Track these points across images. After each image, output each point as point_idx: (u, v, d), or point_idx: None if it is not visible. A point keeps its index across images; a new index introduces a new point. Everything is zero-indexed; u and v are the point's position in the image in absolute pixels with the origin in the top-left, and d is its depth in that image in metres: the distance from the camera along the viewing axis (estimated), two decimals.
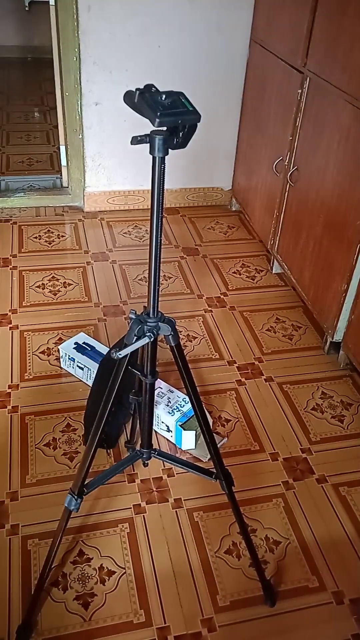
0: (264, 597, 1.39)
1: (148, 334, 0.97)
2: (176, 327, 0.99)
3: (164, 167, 0.84)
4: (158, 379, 1.83)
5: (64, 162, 3.02)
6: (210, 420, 1.78)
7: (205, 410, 1.33)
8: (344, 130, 1.89)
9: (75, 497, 1.13)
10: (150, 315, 0.98)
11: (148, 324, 0.98)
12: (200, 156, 2.99)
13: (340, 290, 1.99)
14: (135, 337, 0.98)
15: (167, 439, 1.78)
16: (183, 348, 2.15)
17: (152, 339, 0.98)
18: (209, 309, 2.40)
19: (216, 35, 2.66)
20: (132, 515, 1.57)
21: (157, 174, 0.85)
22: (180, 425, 1.70)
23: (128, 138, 0.80)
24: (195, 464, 1.23)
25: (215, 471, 1.22)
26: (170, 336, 0.98)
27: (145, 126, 0.87)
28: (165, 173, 0.85)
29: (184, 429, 1.69)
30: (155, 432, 1.80)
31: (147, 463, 1.26)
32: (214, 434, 1.80)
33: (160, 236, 0.89)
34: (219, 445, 1.76)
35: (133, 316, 0.99)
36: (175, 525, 1.55)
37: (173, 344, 1.00)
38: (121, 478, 1.66)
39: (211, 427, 1.79)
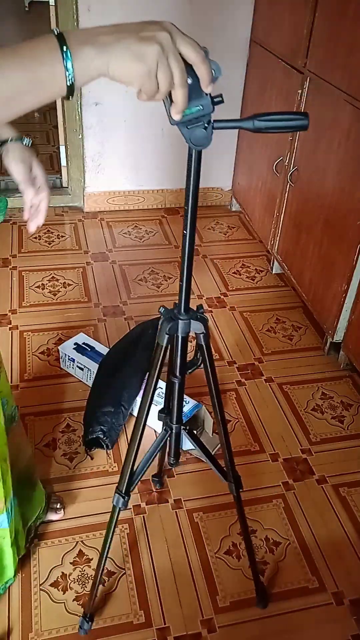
0: (256, 599, 1.38)
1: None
2: (208, 326, 0.96)
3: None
4: (159, 379, 1.83)
5: (63, 162, 3.02)
6: (211, 422, 1.78)
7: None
8: (344, 130, 1.89)
9: (123, 495, 1.13)
10: (182, 312, 0.93)
11: (180, 319, 0.93)
12: None
13: (340, 291, 1.99)
14: (166, 336, 0.94)
15: None
16: None
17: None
18: (209, 309, 2.40)
19: (216, 35, 2.66)
20: (132, 515, 1.57)
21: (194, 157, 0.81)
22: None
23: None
24: (216, 459, 1.22)
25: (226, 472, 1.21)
26: (201, 335, 0.95)
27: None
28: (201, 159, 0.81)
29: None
30: (155, 431, 1.79)
31: (175, 462, 1.25)
32: (215, 434, 1.80)
33: (195, 220, 0.85)
34: (219, 446, 1.76)
35: (162, 311, 0.95)
36: (175, 526, 1.55)
37: (203, 343, 0.96)
38: None
39: (211, 428, 1.79)
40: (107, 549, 1.23)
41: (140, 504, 1.60)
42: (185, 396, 1.80)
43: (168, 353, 1.00)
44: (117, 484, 1.16)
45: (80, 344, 2.00)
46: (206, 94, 0.69)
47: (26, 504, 1.41)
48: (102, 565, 1.26)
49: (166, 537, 1.52)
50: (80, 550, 1.47)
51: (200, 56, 0.65)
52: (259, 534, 1.54)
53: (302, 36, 2.11)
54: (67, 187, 3.07)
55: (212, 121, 0.73)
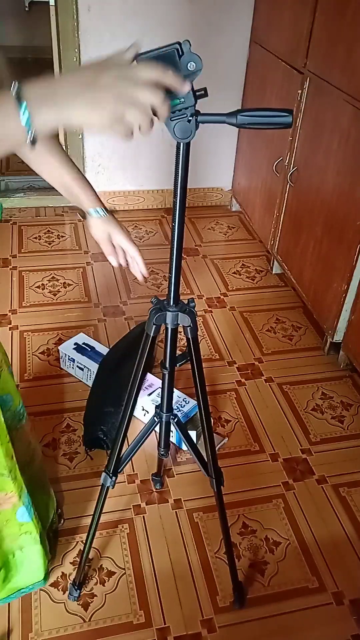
0: (233, 598, 1.38)
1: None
2: (197, 319, 0.97)
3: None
4: (159, 379, 1.83)
5: None
6: (211, 421, 1.78)
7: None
8: (344, 131, 1.89)
9: (111, 475, 1.18)
10: (171, 303, 0.95)
11: (169, 311, 0.95)
12: (200, 156, 2.99)
13: (340, 291, 1.99)
14: (154, 326, 0.96)
15: None
16: (183, 348, 2.16)
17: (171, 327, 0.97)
18: (209, 309, 2.40)
19: (216, 36, 2.66)
20: (132, 515, 1.57)
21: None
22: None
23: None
24: (198, 451, 1.24)
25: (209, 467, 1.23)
26: (188, 328, 0.97)
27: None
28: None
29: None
30: (156, 431, 1.79)
31: (165, 452, 1.27)
32: (215, 434, 1.80)
33: (183, 213, 0.86)
34: (219, 446, 1.77)
35: (153, 301, 0.97)
36: (175, 526, 1.55)
37: (190, 337, 0.98)
38: (121, 478, 1.65)
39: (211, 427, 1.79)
40: (94, 527, 1.27)
41: (140, 504, 1.60)
42: (185, 396, 1.80)
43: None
44: (105, 465, 1.20)
45: (81, 344, 2.00)
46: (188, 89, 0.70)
47: (41, 510, 1.41)
48: (90, 541, 1.29)
49: (166, 537, 1.52)
50: (80, 550, 1.47)
51: (158, 73, 0.66)
52: (259, 534, 1.55)
53: (302, 36, 2.11)
54: None
55: (195, 114, 0.74)
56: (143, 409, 1.80)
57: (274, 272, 2.65)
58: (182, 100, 0.71)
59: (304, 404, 1.97)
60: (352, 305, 1.98)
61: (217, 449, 1.75)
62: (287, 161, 2.35)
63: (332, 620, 1.37)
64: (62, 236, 2.84)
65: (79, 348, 1.98)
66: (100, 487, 1.22)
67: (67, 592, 1.38)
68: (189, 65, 0.69)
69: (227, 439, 1.81)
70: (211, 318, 2.35)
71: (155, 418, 1.19)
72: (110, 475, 1.19)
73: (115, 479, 1.20)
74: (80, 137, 2.82)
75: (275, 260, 2.60)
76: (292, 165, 2.30)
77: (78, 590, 1.37)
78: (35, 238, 2.80)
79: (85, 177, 1.10)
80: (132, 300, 2.42)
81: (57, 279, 2.52)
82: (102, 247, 1.07)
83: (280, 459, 1.76)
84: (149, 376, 1.85)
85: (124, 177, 3.00)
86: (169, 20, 2.57)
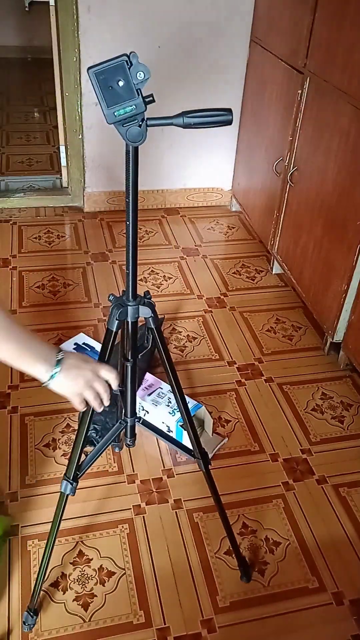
0: (240, 573, 1.41)
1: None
2: (156, 309, 1.00)
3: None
4: (159, 380, 1.84)
5: (63, 162, 3.02)
6: (211, 422, 1.78)
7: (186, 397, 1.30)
8: (344, 131, 1.89)
9: (71, 482, 1.15)
10: (130, 298, 0.97)
11: (129, 305, 0.97)
12: (200, 156, 2.99)
13: (340, 291, 1.99)
14: (117, 322, 0.98)
15: None
16: (183, 348, 2.16)
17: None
18: (209, 309, 2.40)
19: (216, 35, 2.66)
20: (131, 516, 1.57)
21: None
22: (181, 425, 1.70)
23: None
24: (177, 440, 1.24)
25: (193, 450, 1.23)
26: (150, 318, 0.99)
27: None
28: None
29: (185, 429, 1.69)
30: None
31: (132, 441, 1.22)
32: (215, 434, 1.80)
33: (136, 212, 0.91)
34: (219, 446, 1.77)
35: (112, 299, 0.99)
36: (175, 526, 1.55)
37: (153, 326, 1.01)
38: (121, 479, 1.66)
39: (211, 428, 1.79)
40: (54, 537, 1.24)
41: (140, 504, 1.60)
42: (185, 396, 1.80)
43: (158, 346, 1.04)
44: (65, 472, 1.18)
45: (80, 344, 2.00)
46: (138, 94, 0.77)
47: None
48: (49, 554, 1.26)
49: (166, 538, 1.52)
50: (80, 551, 1.47)
51: (113, 376, 0.99)
52: (259, 534, 1.54)
53: (302, 36, 2.11)
54: (67, 187, 3.07)
55: (145, 119, 0.81)
56: (143, 409, 1.80)
57: (274, 272, 2.65)
58: (134, 106, 0.77)
59: (304, 404, 1.97)
60: (352, 306, 1.97)
61: (217, 449, 1.76)
62: (287, 161, 2.35)
63: (332, 620, 1.37)
64: (62, 236, 2.84)
65: (78, 348, 1.98)
66: (59, 495, 1.18)
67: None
68: (138, 74, 0.76)
69: (227, 439, 1.81)
70: (211, 318, 2.35)
71: (120, 423, 1.18)
72: (71, 481, 1.15)
73: (76, 485, 1.16)
74: (80, 137, 2.82)
75: (275, 260, 2.60)
76: (292, 165, 2.30)
77: (34, 617, 1.31)
78: (35, 238, 2.80)
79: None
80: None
81: (57, 279, 2.52)
82: (74, 403, 0.97)
83: (280, 459, 1.76)
84: (149, 376, 1.85)
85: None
86: (169, 20, 2.57)
